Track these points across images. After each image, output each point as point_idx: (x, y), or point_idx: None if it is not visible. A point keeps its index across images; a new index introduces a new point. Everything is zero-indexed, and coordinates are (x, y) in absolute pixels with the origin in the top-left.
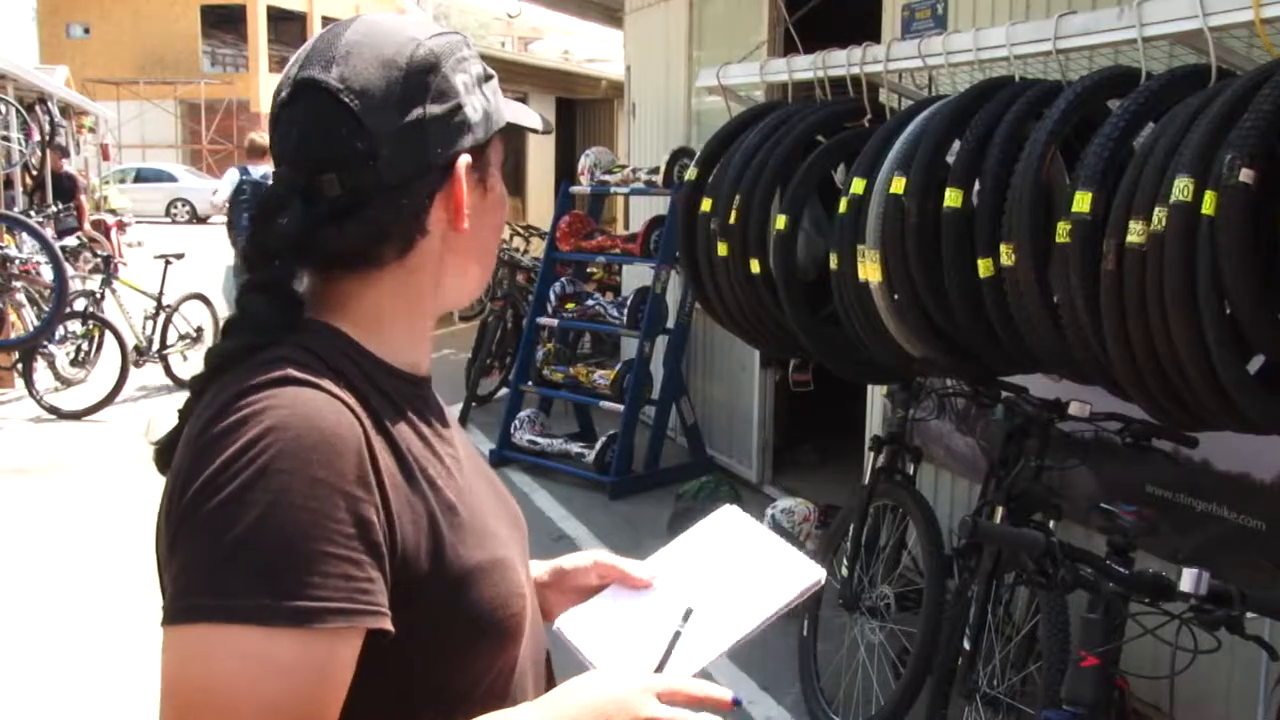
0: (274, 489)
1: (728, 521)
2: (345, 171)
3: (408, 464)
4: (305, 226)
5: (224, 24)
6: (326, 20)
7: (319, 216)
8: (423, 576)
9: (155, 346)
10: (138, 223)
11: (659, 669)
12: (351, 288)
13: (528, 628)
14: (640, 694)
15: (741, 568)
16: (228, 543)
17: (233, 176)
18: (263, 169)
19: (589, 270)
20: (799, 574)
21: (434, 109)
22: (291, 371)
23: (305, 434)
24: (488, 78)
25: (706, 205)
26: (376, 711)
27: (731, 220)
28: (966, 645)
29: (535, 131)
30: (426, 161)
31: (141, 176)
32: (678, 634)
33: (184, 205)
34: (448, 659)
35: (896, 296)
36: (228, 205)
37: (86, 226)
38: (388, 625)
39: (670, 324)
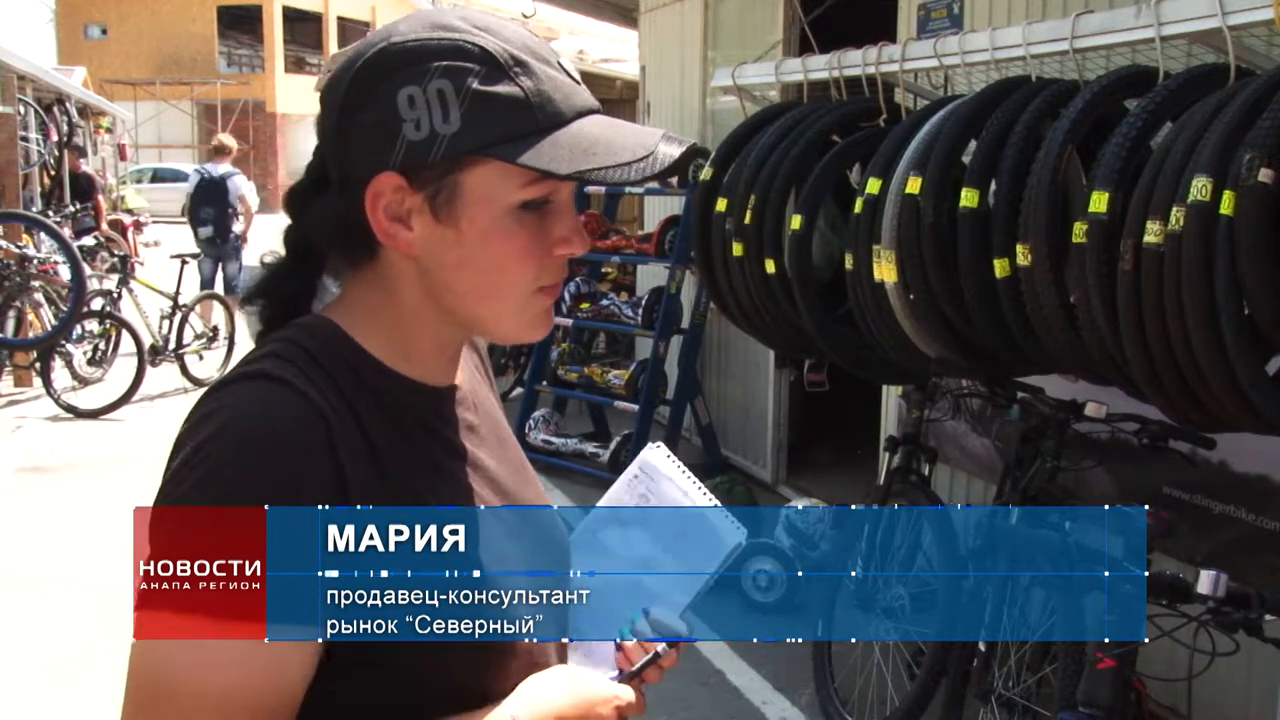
0: (214, 494)
1: (655, 465)
2: (317, 154)
3: (386, 472)
4: (297, 192)
5: (240, 25)
6: (342, 21)
7: (305, 185)
8: None
9: (171, 346)
10: (154, 222)
11: (629, 679)
12: (350, 285)
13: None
14: (604, 706)
15: (672, 535)
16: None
17: (194, 177)
18: (222, 168)
19: (604, 270)
20: (725, 537)
21: (364, 117)
22: (267, 368)
23: (252, 438)
24: (491, 96)
25: (722, 205)
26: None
27: (746, 220)
28: (982, 646)
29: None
30: (348, 169)
31: (158, 176)
32: (656, 654)
33: None
34: (422, 661)
35: (912, 297)
36: (189, 202)
37: (104, 226)
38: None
39: (685, 324)
